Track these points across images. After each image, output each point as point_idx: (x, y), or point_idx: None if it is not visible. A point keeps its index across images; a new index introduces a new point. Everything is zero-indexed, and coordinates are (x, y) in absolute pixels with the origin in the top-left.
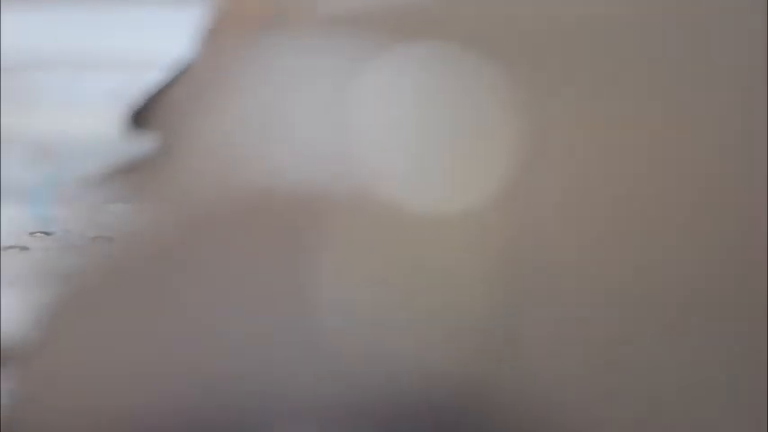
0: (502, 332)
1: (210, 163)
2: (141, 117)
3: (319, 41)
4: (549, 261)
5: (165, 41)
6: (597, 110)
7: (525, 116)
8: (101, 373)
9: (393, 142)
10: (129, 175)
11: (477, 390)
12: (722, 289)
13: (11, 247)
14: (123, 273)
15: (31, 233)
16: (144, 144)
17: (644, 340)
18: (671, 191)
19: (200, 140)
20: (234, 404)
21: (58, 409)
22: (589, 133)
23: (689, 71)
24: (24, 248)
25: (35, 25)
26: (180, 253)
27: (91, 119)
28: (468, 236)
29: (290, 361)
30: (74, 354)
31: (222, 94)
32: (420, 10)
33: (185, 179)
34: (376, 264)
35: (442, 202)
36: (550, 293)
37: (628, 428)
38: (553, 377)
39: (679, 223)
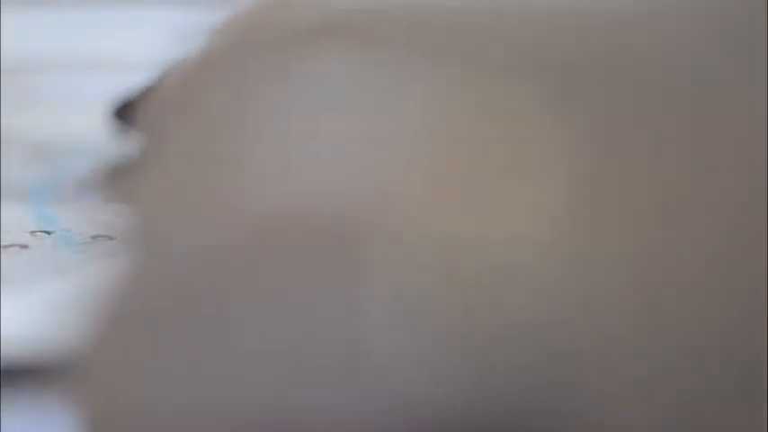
0: (551, 353)
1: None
2: (128, 116)
3: (351, 59)
4: (595, 289)
5: (163, 42)
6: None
7: (571, 136)
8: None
9: (434, 161)
10: (127, 173)
11: (528, 417)
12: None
13: (11, 246)
14: (159, 286)
15: (32, 232)
16: (132, 143)
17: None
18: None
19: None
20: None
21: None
22: (633, 125)
23: (690, 71)
24: (24, 247)
25: (35, 26)
26: (216, 276)
27: (90, 119)
28: (512, 260)
29: (336, 383)
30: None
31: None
32: (454, 28)
33: (213, 200)
34: (416, 289)
35: (485, 224)
36: (599, 325)
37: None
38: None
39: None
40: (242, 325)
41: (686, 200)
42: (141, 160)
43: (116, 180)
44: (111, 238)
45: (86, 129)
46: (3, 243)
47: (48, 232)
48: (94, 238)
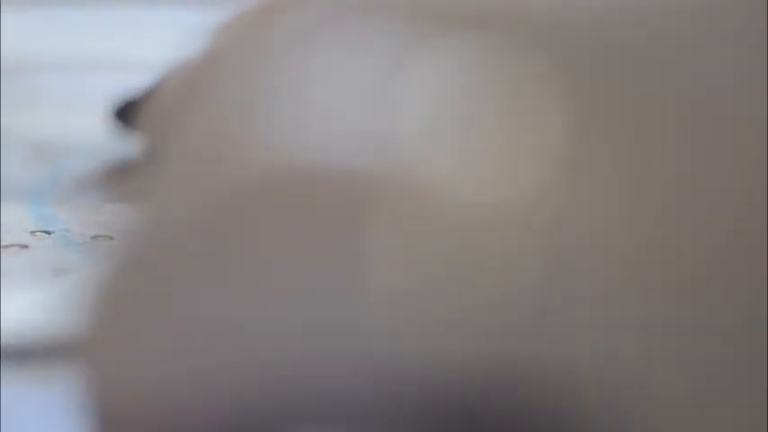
0: (546, 323)
1: (248, 146)
2: (130, 116)
3: (362, 24)
4: (593, 252)
5: (163, 42)
6: (640, 97)
7: (571, 102)
8: (157, 368)
9: (437, 126)
10: (127, 173)
11: (518, 384)
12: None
13: (11, 246)
14: (162, 262)
15: (32, 232)
16: (134, 143)
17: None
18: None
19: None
20: (271, 398)
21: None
22: (633, 119)
23: (691, 69)
24: (24, 247)
25: (35, 26)
26: (218, 241)
27: (90, 119)
28: (511, 223)
29: (332, 351)
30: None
31: (250, 79)
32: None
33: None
34: (418, 248)
35: (485, 187)
36: (592, 283)
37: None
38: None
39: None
40: (241, 287)
41: (686, 200)
42: (144, 162)
43: (116, 180)
44: (111, 238)
45: (86, 129)
46: (3, 243)
47: (48, 232)
48: (94, 238)
